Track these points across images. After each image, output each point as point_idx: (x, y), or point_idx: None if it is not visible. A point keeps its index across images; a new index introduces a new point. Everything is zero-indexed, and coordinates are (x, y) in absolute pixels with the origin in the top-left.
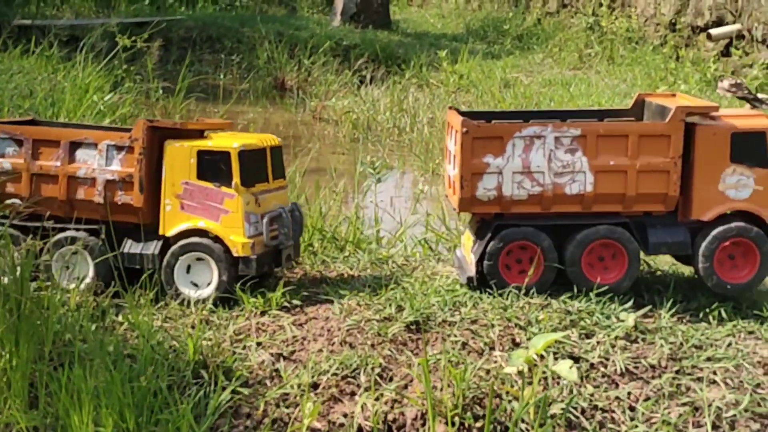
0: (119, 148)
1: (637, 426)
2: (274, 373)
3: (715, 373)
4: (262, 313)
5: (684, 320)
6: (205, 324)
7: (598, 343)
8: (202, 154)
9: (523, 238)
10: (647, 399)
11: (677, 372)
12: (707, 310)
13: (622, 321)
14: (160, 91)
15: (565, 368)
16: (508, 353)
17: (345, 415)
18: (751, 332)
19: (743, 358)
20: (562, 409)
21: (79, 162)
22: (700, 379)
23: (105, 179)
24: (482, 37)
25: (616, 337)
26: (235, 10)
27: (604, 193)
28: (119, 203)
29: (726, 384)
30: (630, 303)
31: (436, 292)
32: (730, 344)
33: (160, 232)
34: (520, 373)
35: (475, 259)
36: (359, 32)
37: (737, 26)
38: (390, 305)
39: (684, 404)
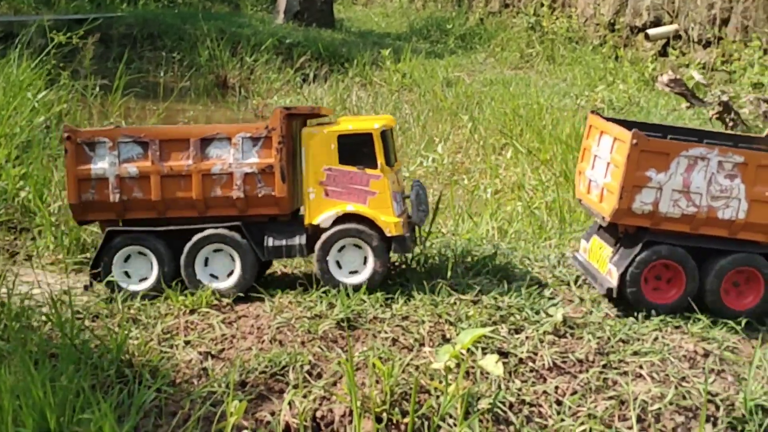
0: (255, 140)
1: (563, 420)
2: (201, 372)
3: (641, 367)
4: (192, 312)
5: (612, 315)
6: (132, 323)
7: (527, 338)
8: (342, 138)
9: (671, 257)
10: (574, 393)
11: (604, 366)
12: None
13: (551, 316)
14: (97, 89)
15: (491, 363)
16: (437, 349)
17: (272, 413)
18: (677, 327)
19: (669, 352)
20: (490, 403)
21: (213, 158)
22: (626, 373)
23: (243, 173)
24: (426, 36)
25: (544, 332)
26: (177, 7)
27: (753, 222)
28: (259, 196)
29: (652, 378)
30: (559, 298)
31: (367, 288)
32: (656, 338)
33: (307, 222)
34: (447, 368)
35: (619, 271)
36: (302, 30)
37: (674, 26)
38: (321, 302)
39: (610, 398)
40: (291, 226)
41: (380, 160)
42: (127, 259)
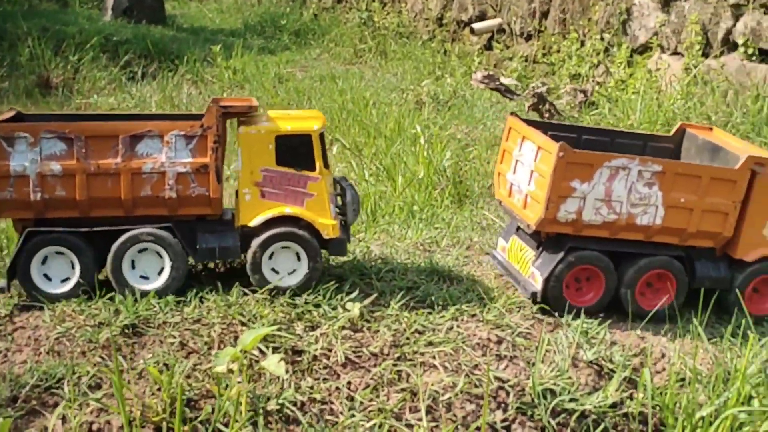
0: (189, 138)
1: (354, 416)
2: None
3: (434, 357)
4: None
5: (410, 307)
6: None
7: (321, 334)
8: (280, 139)
9: (592, 262)
10: (366, 387)
11: (398, 358)
12: (433, 297)
13: (348, 311)
14: None
15: (273, 363)
16: (217, 352)
17: (45, 429)
18: (473, 315)
19: (463, 341)
20: (278, 404)
21: (143, 156)
22: (419, 365)
23: (176, 172)
24: (260, 32)
25: (340, 327)
26: (2, 5)
27: (669, 226)
28: (193, 196)
29: (444, 367)
30: (356, 293)
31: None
32: (451, 328)
33: (240, 223)
34: (230, 371)
35: (543, 276)
36: (131, 27)
37: (498, 20)
38: (106, 309)
39: (402, 390)
40: (222, 226)
41: (318, 162)
42: (44, 261)
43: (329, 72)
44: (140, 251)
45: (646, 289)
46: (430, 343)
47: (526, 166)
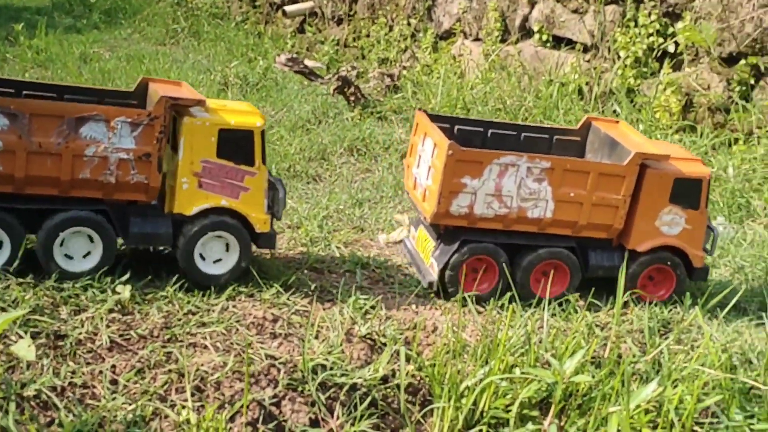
0: (134, 125)
1: (116, 398)
2: None
3: (206, 337)
4: None
5: (185, 288)
6: None
7: (87, 318)
8: (223, 132)
9: (485, 253)
10: (132, 370)
11: (168, 340)
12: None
13: (118, 293)
14: None
15: (24, 348)
16: None
17: None
18: (250, 295)
19: (237, 320)
20: (36, 390)
21: (87, 139)
22: (189, 345)
23: (118, 158)
24: (68, 11)
25: (108, 310)
26: None
27: (559, 219)
28: (131, 182)
29: (216, 347)
30: (128, 275)
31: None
32: (226, 308)
33: (174, 210)
34: None
35: (439, 266)
36: None
37: (310, 3)
38: None
39: (169, 371)
40: (154, 213)
41: (258, 158)
42: None
43: (138, 52)
44: (73, 233)
45: (542, 277)
46: (203, 324)
47: (425, 161)
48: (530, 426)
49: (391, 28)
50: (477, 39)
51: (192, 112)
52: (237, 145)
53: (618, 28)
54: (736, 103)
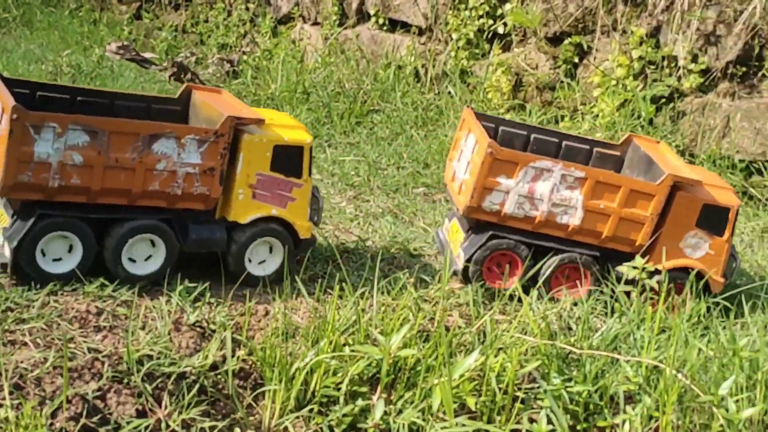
0: (201, 142)
1: None
2: None
3: (25, 334)
4: None
5: (5, 284)
6: None
7: None
8: (277, 148)
9: (507, 248)
10: None
11: None
12: None
13: None
14: None
15: None
16: None
17: None
18: (74, 289)
19: (58, 315)
20: None
21: (159, 155)
22: (8, 343)
23: (186, 172)
24: None
25: None
26: None
27: (586, 228)
28: (195, 194)
29: (36, 344)
30: None
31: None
32: (46, 303)
33: (230, 218)
34: None
35: (466, 257)
36: None
37: None
38: None
39: None
40: (209, 220)
41: (305, 170)
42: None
43: None
44: (139, 239)
45: (563, 279)
46: (22, 320)
47: (466, 156)
48: (360, 402)
49: (229, 13)
50: (316, 23)
51: (251, 129)
52: (288, 160)
53: (450, 10)
54: (562, 82)
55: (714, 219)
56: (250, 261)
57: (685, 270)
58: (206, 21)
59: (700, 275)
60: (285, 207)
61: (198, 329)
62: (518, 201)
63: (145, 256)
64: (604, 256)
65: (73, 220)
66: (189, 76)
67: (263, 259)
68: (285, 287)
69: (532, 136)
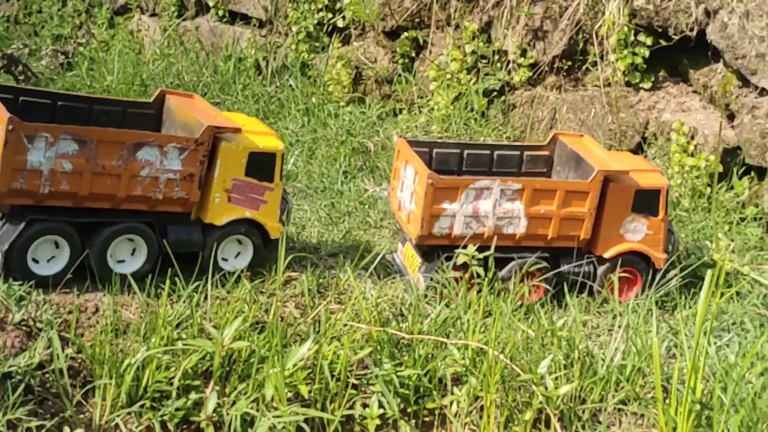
0: (182, 150)
1: None
2: None
3: None
4: None
5: None
6: None
7: None
8: (252, 155)
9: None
10: None
11: None
12: None
13: None
14: None
15: None
16: None
17: None
18: None
19: None
20: None
21: (142, 162)
22: None
23: (167, 178)
24: None
25: None
26: None
27: (532, 233)
28: (174, 198)
29: None
30: None
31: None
32: None
33: (206, 221)
34: None
35: (425, 281)
36: None
37: None
38: None
39: None
40: (187, 222)
41: (277, 175)
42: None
43: None
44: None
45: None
46: None
47: (408, 186)
48: (193, 395)
49: (64, 3)
50: (154, 14)
51: (227, 137)
52: (262, 165)
53: (289, 3)
54: (400, 75)
55: (647, 202)
56: (224, 259)
57: (633, 253)
58: (39, 11)
59: (643, 256)
60: (258, 209)
61: (24, 328)
62: (465, 221)
63: (128, 255)
64: (555, 255)
65: (61, 224)
66: (20, 68)
67: (236, 254)
68: (114, 283)
69: (465, 152)
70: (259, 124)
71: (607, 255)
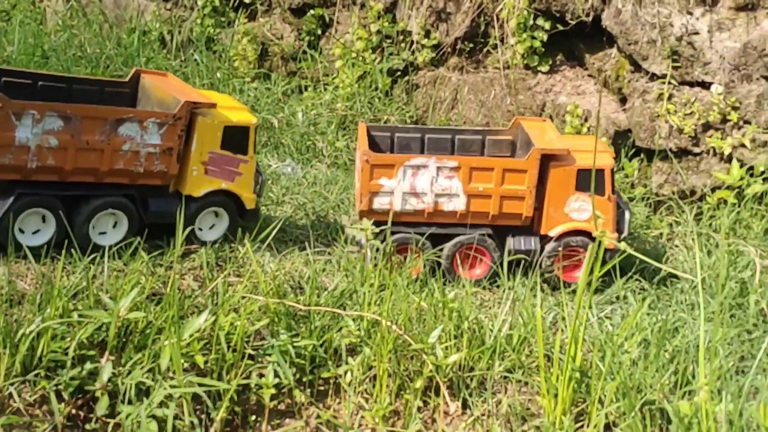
0: (161, 125)
1: None
2: None
3: None
4: None
5: None
6: None
7: None
8: (227, 129)
9: (406, 242)
10: None
11: None
12: None
13: None
14: None
15: None
16: None
17: None
18: None
19: None
20: None
21: (123, 137)
22: None
23: (147, 152)
24: None
25: None
26: None
27: (473, 211)
28: (154, 171)
29: None
30: None
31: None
32: None
33: (185, 193)
34: None
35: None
36: None
37: None
38: None
39: None
40: (165, 194)
41: (251, 148)
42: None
43: None
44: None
45: (465, 259)
46: None
47: (358, 165)
48: (88, 365)
49: None
50: None
51: (203, 112)
52: (237, 139)
53: None
54: (305, 52)
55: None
56: (200, 229)
57: (579, 233)
58: None
59: (589, 234)
60: (233, 181)
61: None
62: (404, 198)
63: (110, 228)
64: (499, 232)
65: (48, 197)
66: None
67: (211, 224)
68: (10, 253)
69: (426, 136)
70: (232, 100)
71: (552, 233)
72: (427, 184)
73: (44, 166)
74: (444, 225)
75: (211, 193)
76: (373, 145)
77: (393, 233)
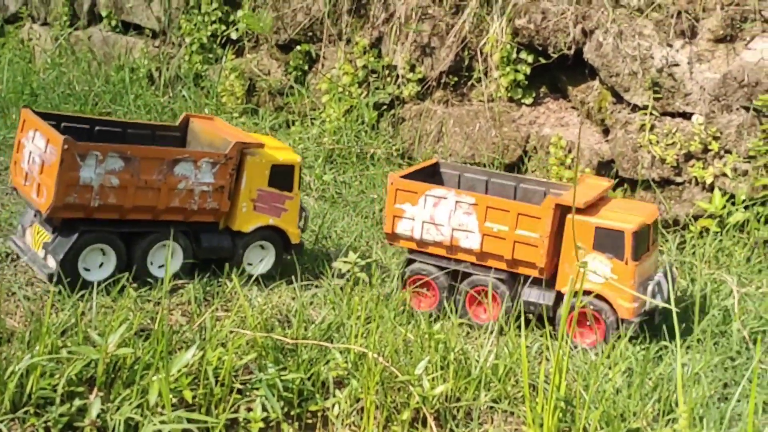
0: (213, 164)
1: None
2: None
3: None
4: None
5: None
6: None
7: None
8: (274, 167)
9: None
10: None
11: None
12: None
13: None
14: None
15: None
16: None
17: None
18: None
19: None
20: None
21: (179, 176)
22: None
23: (201, 190)
24: None
25: None
26: None
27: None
28: (207, 208)
29: None
30: None
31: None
32: None
33: (235, 229)
34: None
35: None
36: None
37: None
38: None
39: None
40: (217, 230)
41: (296, 185)
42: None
43: None
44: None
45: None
46: None
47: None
48: (77, 401)
49: None
50: (45, 23)
51: (252, 152)
52: (283, 177)
53: (183, 15)
54: (292, 87)
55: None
56: (249, 264)
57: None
58: None
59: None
60: (279, 216)
61: None
62: (424, 227)
63: (164, 261)
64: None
65: (108, 234)
66: None
67: (260, 258)
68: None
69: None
70: (276, 140)
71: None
72: (446, 216)
73: (106, 204)
74: (459, 262)
75: (259, 228)
76: (440, 181)
77: (411, 261)
